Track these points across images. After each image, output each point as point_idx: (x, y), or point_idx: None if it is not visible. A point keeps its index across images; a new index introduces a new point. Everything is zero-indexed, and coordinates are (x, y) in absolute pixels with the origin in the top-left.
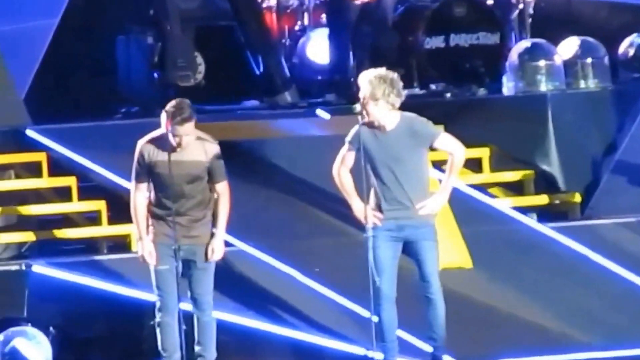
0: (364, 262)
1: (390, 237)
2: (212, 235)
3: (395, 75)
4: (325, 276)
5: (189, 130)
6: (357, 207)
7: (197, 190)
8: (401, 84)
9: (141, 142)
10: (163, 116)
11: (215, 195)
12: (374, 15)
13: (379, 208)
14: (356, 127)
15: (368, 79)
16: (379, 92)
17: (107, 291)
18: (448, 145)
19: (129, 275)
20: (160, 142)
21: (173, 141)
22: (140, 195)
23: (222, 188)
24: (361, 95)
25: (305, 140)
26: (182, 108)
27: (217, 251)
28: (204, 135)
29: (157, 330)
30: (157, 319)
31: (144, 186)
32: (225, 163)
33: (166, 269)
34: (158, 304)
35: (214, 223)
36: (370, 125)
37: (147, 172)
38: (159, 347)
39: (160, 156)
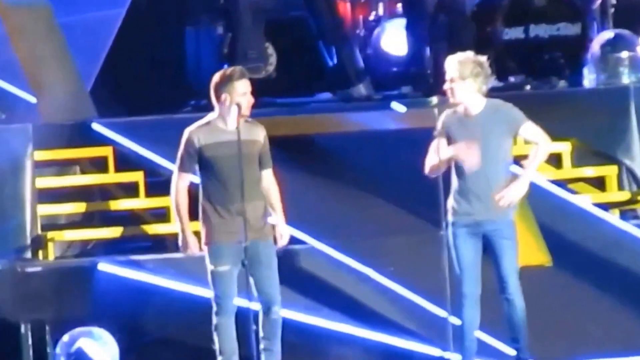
0: (440, 260)
1: (469, 233)
2: (273, 225)
3: (484, 59)
4: (401, 275)
5: (249, 87)
6: None
7: (256, 175)
8: (490, 69)
9: (189, 129)
10: (214, 89)
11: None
12: (452, 6)
13: (457, 201)
14: (442, 115)
15: (458, 59)
16: (468, 72)
17: (174, 290)
18: (535, 133)
19: (196, 273)
20: (211, 126)
21: (241, 105)
22: (183, 184)
23: (270, 175)
24: (448, 76)
25: (380, 134)
26: (234, 68)
27: (285, 236)
28: (250, 119)
29: (214, 334)
30: (214, 322)
31: (188, 176)
32: (297, 158)
33: (226, 270)
34: (215, 307)
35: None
36: (455, 109)
37: (196, 160)
38: (217, 351)
39: (213, 139)
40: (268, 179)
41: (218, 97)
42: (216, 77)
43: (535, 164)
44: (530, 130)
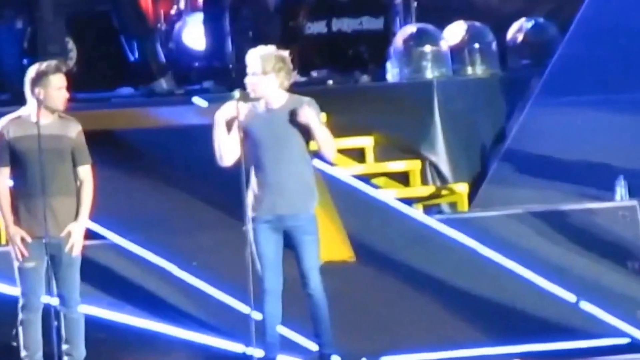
0: (244, 256)
1: (271, 228)
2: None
3: (287, 54)
4: (204, 270)
5: (64, 82)
6: None
7: (63, 172)
8: (292, 64)
9: (0, 122)
10: (28, 83)
11: (78, 182)
12: None
13: (258, 197)
14: (231, 102)
15: (260, 54)
16: (270, 67)
17: None
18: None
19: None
20: (22, 120)
21: (55, 99)
22: (1, 180)
23: (86, 172)
24: (250, 70)
25: (182, 129)
26: (50, 62)
27: (77, 244)
28: (65, 114)
29: (20, 329)
30: (20, 317)
31: (5, 170)
32: (99, 153)
33: (31, 267)
34: (21, 302)
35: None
36: (255, 103)
37: (8, 153)
38: (21, 346)
39: (23, 132)
40: (81, 176)
41: (32, 91)
42: (31, 71)
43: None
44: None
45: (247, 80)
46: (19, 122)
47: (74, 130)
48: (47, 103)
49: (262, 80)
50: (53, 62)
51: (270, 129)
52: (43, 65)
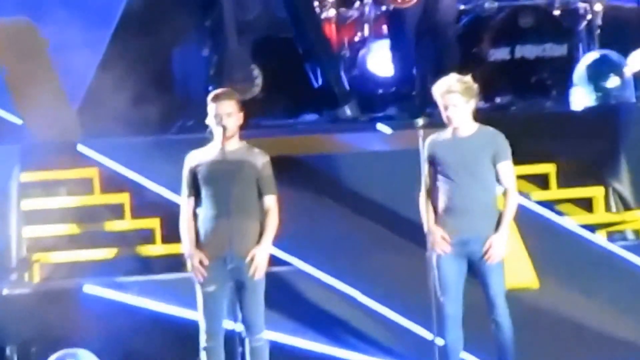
0: (426, 281)
1: (454, 252)
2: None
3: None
4: (387, 296)
5: (229, 109)
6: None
7: (245, 199)
8: None
9: (189, 154)
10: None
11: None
12: (437, 27)
13: (443, 220)
14: (427, 142)
15: (462, 85)
16: (470, 96)
17: (161, 312)
18: (507, 176)
19: (184, 295)
20: (208, 149)
21: (216, 125)
22: (188, 210)
23: (272, 202)
24: (450, 100)
25: (366, 155)
26: (224, 90)
27: (260, 267)
28: (253, 147)
29: (202, 355)
30: (203, 344)
31: (192, 200)
32: (283, 179)
33: (213, 290)
34: (203, 327)
35: (260, 239)
36: (440, 132)
37: (194, 181)
38: None
39: (207, 158)
40: (266, 205)
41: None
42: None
43: (509, 218)
44: (506, 171)
45: (450, 113)
46: (204, 151)
47: (260, 160)
48: (217, 129)
49: (464, 110)
50: (221, 90)
51: (459, 157)
52: (214, 92)
